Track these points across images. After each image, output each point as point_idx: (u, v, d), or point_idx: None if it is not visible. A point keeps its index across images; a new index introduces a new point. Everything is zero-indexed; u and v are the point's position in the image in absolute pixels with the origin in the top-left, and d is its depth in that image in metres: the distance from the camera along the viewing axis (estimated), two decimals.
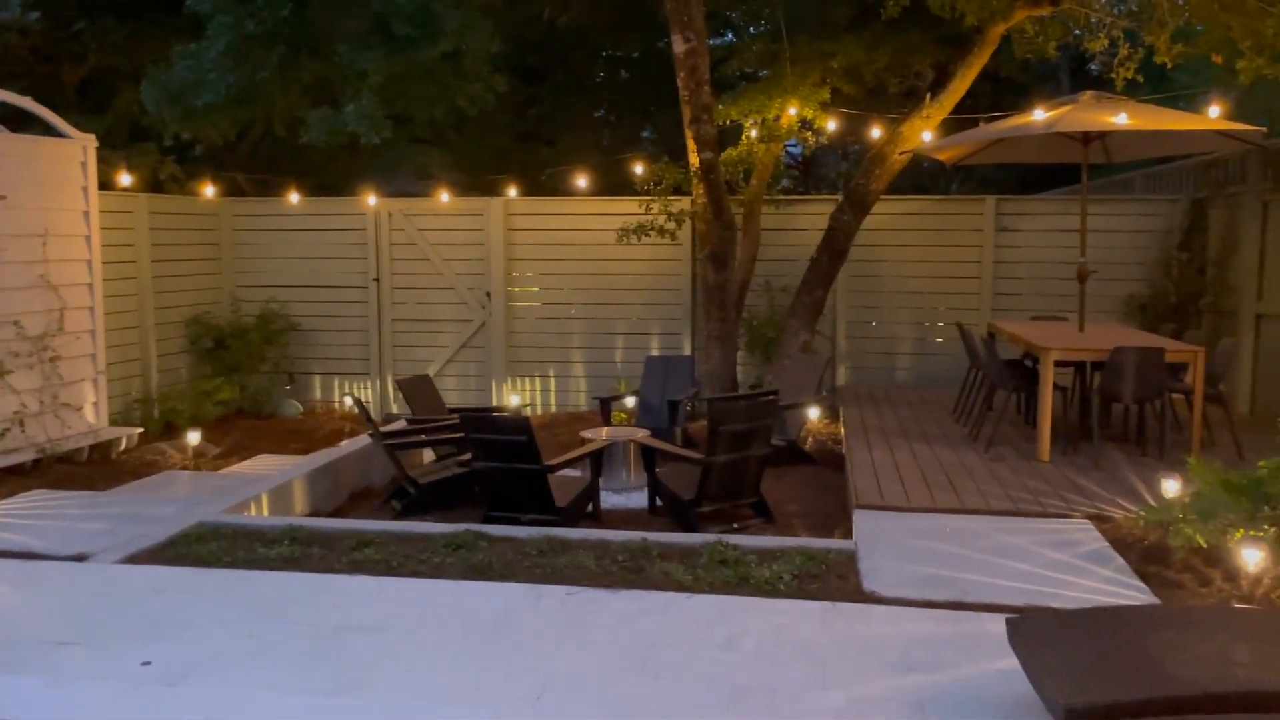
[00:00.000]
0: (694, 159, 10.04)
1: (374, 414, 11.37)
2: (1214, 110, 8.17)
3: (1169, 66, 8.35)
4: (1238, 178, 9.96)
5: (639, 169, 10.86)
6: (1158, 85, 11.06)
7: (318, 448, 9.73)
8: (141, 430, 9.57)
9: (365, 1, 6.29)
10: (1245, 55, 7.58)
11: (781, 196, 11.71)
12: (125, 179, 10.06)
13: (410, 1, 6.15)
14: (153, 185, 11.52)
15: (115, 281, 10.01)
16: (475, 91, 7.14)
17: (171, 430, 10.20)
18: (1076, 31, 9.50)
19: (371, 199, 11.78)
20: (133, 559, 5.53)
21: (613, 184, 12.71)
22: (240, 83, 6.51)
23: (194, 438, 9.71)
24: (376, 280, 11.99)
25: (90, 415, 9.12)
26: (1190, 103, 10.91)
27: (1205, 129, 7.83)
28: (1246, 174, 9.72)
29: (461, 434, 7.51)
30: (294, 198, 11.83)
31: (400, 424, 8.88)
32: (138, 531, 5.98)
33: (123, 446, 9.14)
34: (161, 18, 10.79)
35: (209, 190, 11.42)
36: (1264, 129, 7.67)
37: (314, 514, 7.34)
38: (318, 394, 12.27)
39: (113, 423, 9.53)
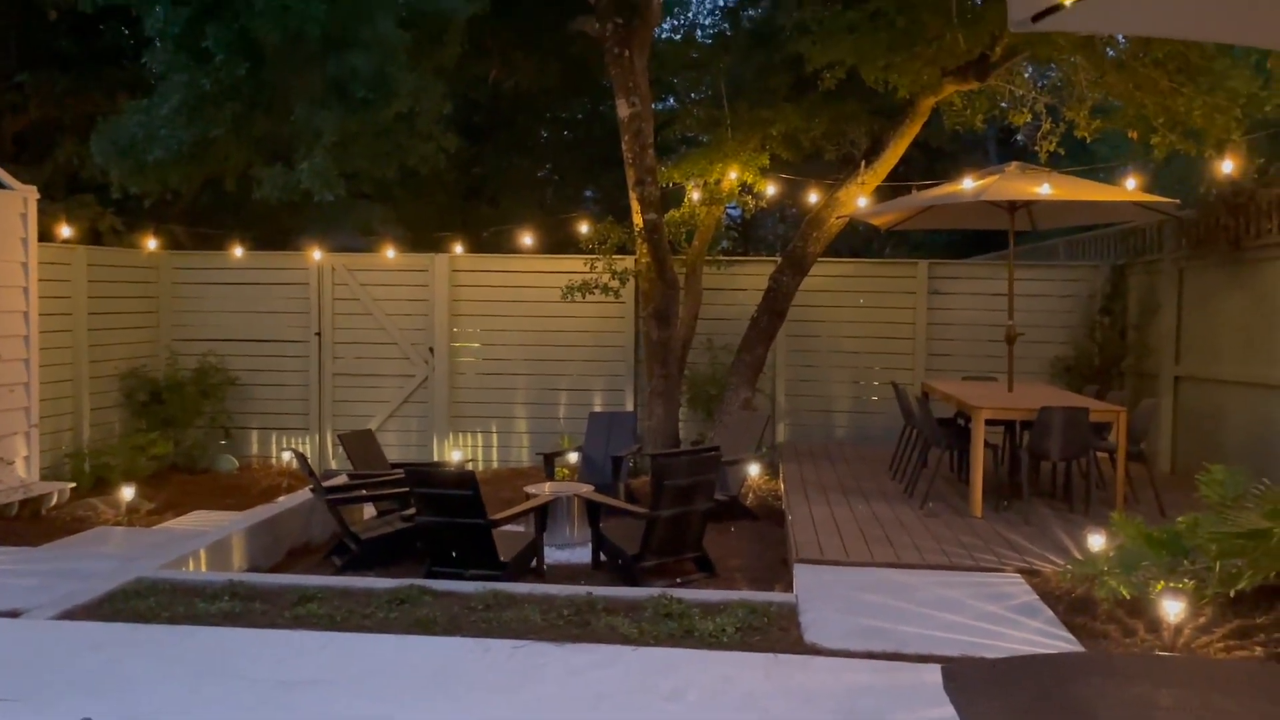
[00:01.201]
0: (638, 219, 10.28)
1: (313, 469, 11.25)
2: (1131, 183, 8.63)
3: (1088, 141, 8.81)
4: (1155, 246, 10.48)
5: (584, 228, 11.07)
6: (1079, 157, 11.62)
7: (253, 504, 9.59)
8: (73, 485, 9.37)
9: (322, 63, 6.41)
10: (1159, 131, 8.06)
11: (723, 257, 12.00)
12: (65, 231, 9.96)
13: (367, 64, 6.29)
14: (92, 237, 11.40)
15: (51, 334, 9.85)
16: (427, 151, 7.27)
17: (103, 486, 9.99)
18: (1003, 104, 10.00)
19: (316, 253, 11.79)
20: (69, 614, 5.42)
21: (556, 242, 12.89)
22: (193, 138, 6.56)
23: (127, 493, 9.52)
24: (318, 334, 11.95)
25: (22, 469, 8.92)
26: (1110, 173, 11.49)
27: (1123, 200, 8.27)
28: (1163, 242, 10.23)
29: (404, 489, 7.50)
30: (237, 251, 11.80)
31: (342, 479, 8.83)
32: (73, 587, 5.87)
33: (54, 502, 8.93)
34: (105, 70, 10.78)
35: (150, 243, 11.33)
36: (1177, 201, 8.14)
37: (253, 570, 7.25)
38: (254, 449, 12.11)
39: (43, 477, 9.32)
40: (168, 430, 11.34)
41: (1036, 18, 3.93)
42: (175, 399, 11.41)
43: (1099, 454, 8.29)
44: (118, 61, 10.11)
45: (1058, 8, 3.84)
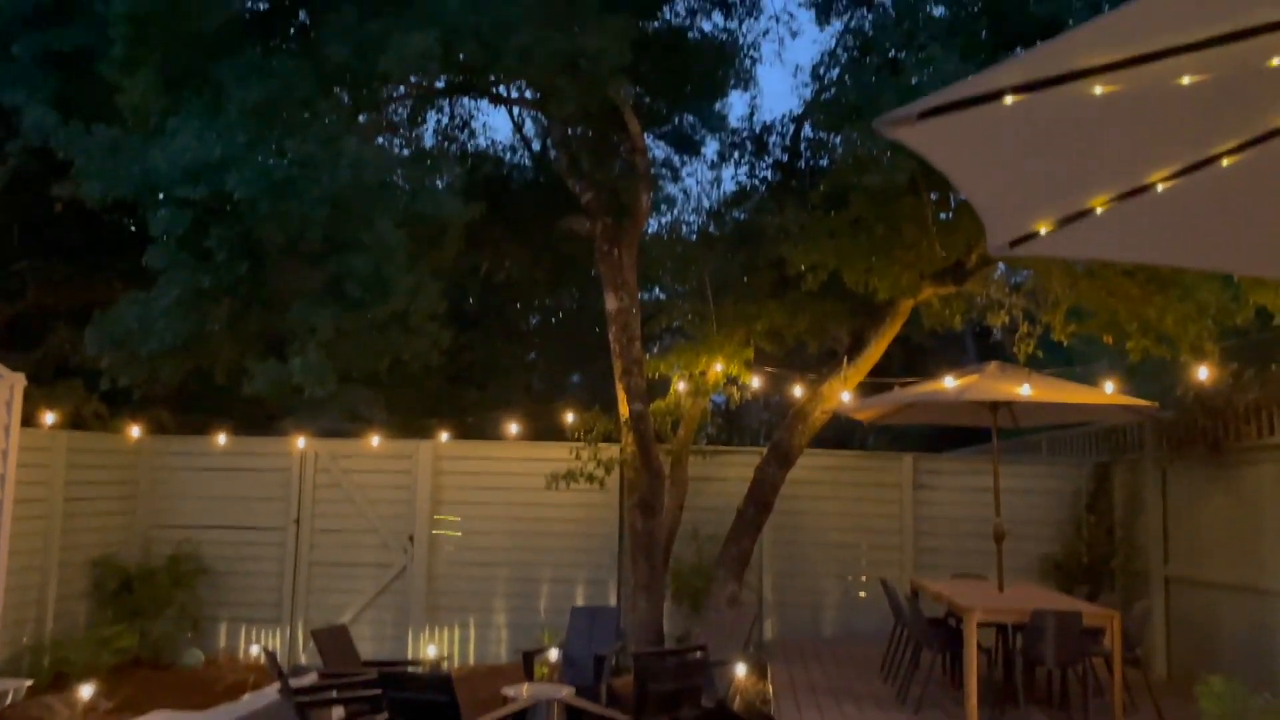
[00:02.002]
0: (624, 409, 10.35)
1: (284, 663, 10.82)
2: (1109, 386, 8.80)
3: (1064, 344, 9.05)
4: (1136, 444, 10.58)
5: (570, 416, 11.12)
6: (1057, 351, 11.88)
7: (218, 701, 9.16)
8: (30, 683, 8.94)
9: (322, 264, 6.59)
10: (1133, 336, 8.29)
11: (708, 448, 12.02)
12: (49, 417, 9.93)
13: (365, 265, 6.46)
14: (74, 421, 11.35)
15: (24, 520, 9.64)
16: (420, 347, 7.38)
17: (62, 681, 9.54)
18: (981, 305, 10.30)
19: (300, 441, 11.74)
20: None
21: (542, 428, 12.91)
22: (188, 332, 6.65)
23: (86, 691, 9.09)
24: (297, 521, 11.75)
25: None
26: (1089, 367, 11.74)
27: (1102, 403, 8.40)
28: (1144, 441, 10.34)
29: (376, 690, 7.19)
30: (221, 438, 11.74)
31: (312, 677, 8.47)
32: None
33: (9, 700, 8.50)
34: (106, 260, 11.02)
35: (133, 430, 11.28)
36: (1156, 404, 8.27)
37: None
38: (222, 641, 11.67)
39: (1, 673, 8.90)
40: (135, 621, 10.93)
41: (1014, 243, 4.09)
42: (145, 588, 11.07)
43: (1094, 659, 8.09)
44: (119, 251, 10.34)
45: (1034, 235, 4.02)
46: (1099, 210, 3.70)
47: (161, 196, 6.69)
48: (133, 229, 11.29)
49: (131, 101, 7.23)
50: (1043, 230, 3.88)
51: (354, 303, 6.51)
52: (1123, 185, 3.60)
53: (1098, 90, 2.73)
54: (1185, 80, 2.72)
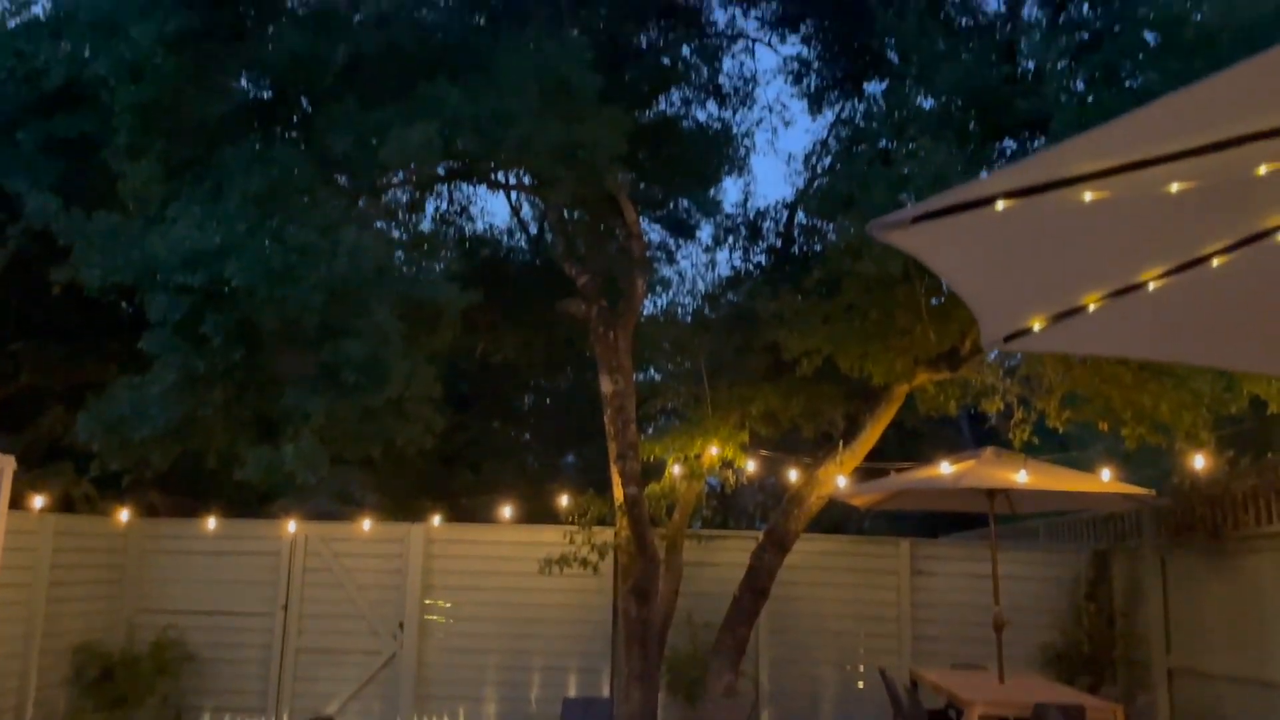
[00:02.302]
0: (618, 493, 10.27)
1: None
2: (1105, 472, 8.77)
3: (1060, 431, 9.05)
4: (1135, 531, 10.50)
5: (564, 499, 11.03)
6: (1052, 436, 11.87)
7: None
8: None
9: (317, 349, 6.60)
10: (1128, 424, 8.29)
11: (704, 532, 11.91)
12: (38, 500, 9.83)
13: (362, 351, 6.47)
14: (64, 503, 11.22)
15: (7, 606, 9.48)
16: (414, 432, 7.36)
17: None
18: (975, 388, 10.31)
19: (291, 524, 11.61)
20: None
21: (536, 510, 12.80)
22: (181, 417, 6.62)
23: None
24: (285, 607, 11.55)
25: None
26: (1086, 450, 11.70)
27: (1099, 490, 8.36)
28: (1143, 528, 10.26)
29: None
30: (210, 522, 11.60)
31: None
32: None
33: None
34: (102, 341, 11.02)
35: (123, 513, 11.15)
36: (1153, 492, 8.24)
37: None
38: None
39: None
40: (116, 710, 10.66)
41: (1008, 339, 4.12)
42: (128, 676, 10.81)
43: None
44: (115, 333, 10.36)
45: (1028, 331, 4.04)
46: (1091, 307, 3.73)
47: (160, 281, 6.72)
48: (129, 311, 11.33)
49: (133, 188, 7.31)
50: (1036, 326, 3.91)
51: (349, 389, 6.51)
52: (1115, 283, 3.64)
53: (1088, 197, 2.77)
54: (1174, 188, 2.77)
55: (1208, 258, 3.44)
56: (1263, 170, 2.71)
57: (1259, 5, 6.35)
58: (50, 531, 10.19)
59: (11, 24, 9.87)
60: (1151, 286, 3.56)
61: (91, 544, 11.01)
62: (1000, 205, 2.82)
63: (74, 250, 7.35)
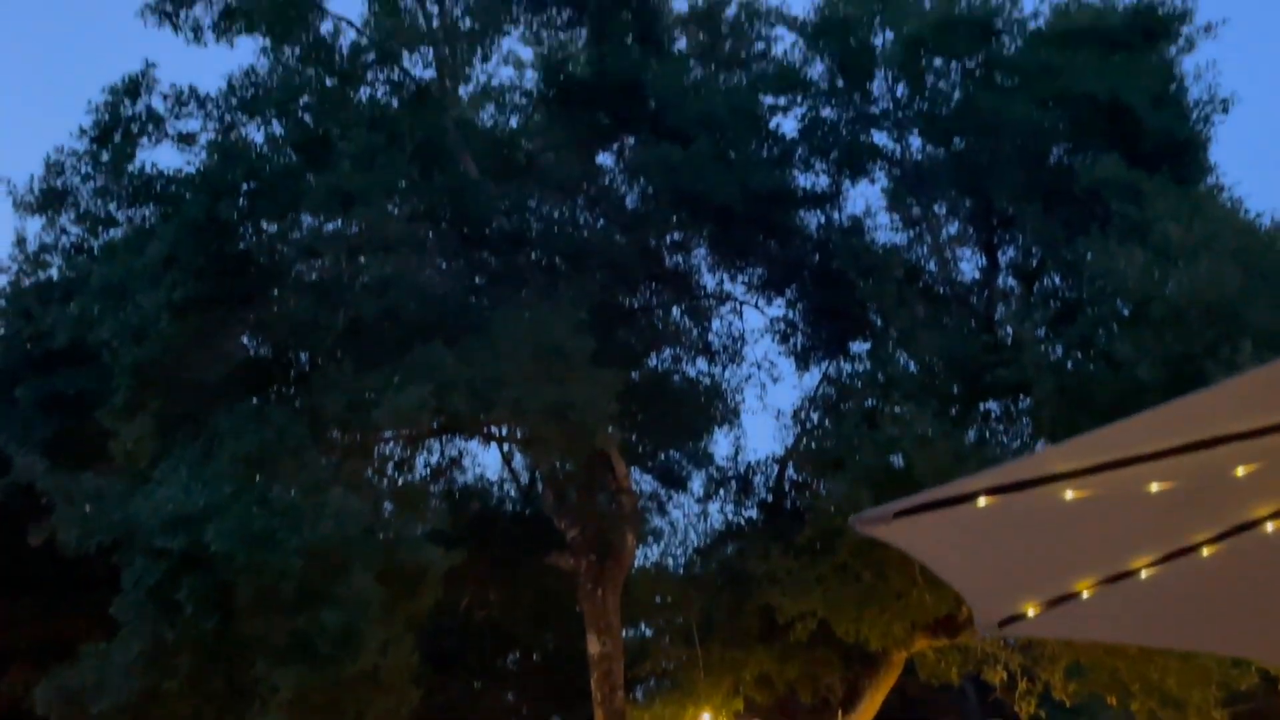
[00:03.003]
0: None
1: None
2: None
3: (1067, 705, 8.65)
4: None
5: None
6: (1060, 707, 11.35)
7: None
8: None
9: (293, 615, 6.38)
10: (1136, 697, 7.93)
11: None
12: None
13: (337, 620, 6.26)
14: None
15: None
16: (388, 704, 6.99)
17: None
18: (977, 656, 9.93)
19: None
20: None
21: None
22: (144, 690, 6.30)
23: None
24: None
25: None
26: None
27: None
28: None
29: None
30: None
31: None
32: None
33: None
34: (75, 595, 10.68)
35: None
36: None
37: None
38: None
39: None
40: None
41: (1003, 624, 3.99)
42: None
43: None
44: (90, 588, 10.06)
45: (1022, 616, 3.92)
46: (1085, 594, 3.65)
47: (138, 544, 6.60)
48: (105, 567, 11.07)
49: (124, 448, 7.33)
50: (1030, 612, 3.80)
51: (322, 659, 6.24)
52: (1106, 570, 3.57)
53: (1069, 495, 2.77)
54: (1154, 488, 2.77)
55: (1196, 546, 3.40)
56: (1240, 472, 2.72)
57: (1223, 285, 6.64)
58: None
59: (26, 283, 10.25)
60: (1144, 574, 3.50)
61: None
62: (982, 501, 2.80)
63: (56, 509, 7.26)
